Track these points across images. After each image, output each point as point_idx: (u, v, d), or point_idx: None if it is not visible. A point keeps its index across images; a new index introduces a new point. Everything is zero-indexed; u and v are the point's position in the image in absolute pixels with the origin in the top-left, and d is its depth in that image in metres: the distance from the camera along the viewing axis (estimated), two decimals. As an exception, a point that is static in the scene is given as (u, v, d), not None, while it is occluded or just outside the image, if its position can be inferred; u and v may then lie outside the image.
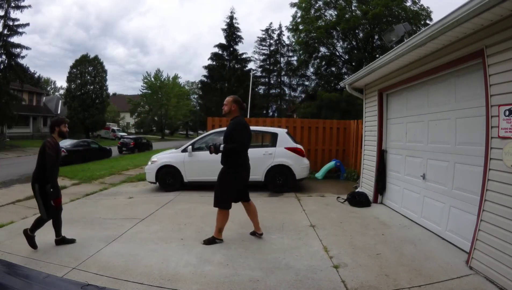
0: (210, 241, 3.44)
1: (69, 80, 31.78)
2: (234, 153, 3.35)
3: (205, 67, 27.45)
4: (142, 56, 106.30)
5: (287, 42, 30.64)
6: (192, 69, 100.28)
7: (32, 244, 3.26)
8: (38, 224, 3.31)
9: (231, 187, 3.41)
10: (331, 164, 7.93)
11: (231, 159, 3.38)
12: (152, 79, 40.29)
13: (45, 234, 3.74)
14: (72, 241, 3.50)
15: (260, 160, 6.35)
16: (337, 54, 24.21)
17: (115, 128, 38.75)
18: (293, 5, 23.68)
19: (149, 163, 6.73)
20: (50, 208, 3.30)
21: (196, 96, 45.69)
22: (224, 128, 7.36)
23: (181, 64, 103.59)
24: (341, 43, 23.87)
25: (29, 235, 3.25)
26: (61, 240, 3.45)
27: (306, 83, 29.36)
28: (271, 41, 32.08)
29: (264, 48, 32.05)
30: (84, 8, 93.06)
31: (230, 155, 3.38)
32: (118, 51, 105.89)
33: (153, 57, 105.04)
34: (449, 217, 3.48)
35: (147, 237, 3.65)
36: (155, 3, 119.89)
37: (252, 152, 6.49)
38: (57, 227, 3.46)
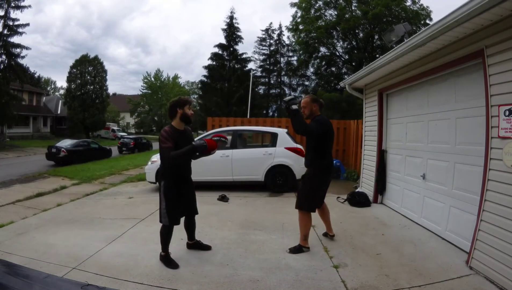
0: (296, 250, 3.18)
1: (69, 80, 31.75)
2: (317, 154, 3.14)
3: (205, 67, 27.43)
4: (144, 56, 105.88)
5: (287, 42, 30.66)
6: (194, 69, 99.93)
7: (170, 263, 2.85)
8: (163, 236, 2.86)
9: (317, 190, 3.23)
10: (331, 164, 7.92)
11: (317, 161, 3.18)
12: (152, 79, 40.37)
13: (45, 235, 3.75)
14: (207, 247, 3.25)
15: (260, 160, 6.36)
16: (337, 54, 24.23)
17: (115, 128, 38.73)
18: (293, 5, 23.74)
19: (149, 163, 6.73)
20: (171, 212, 2.81)
21: (196, 96, 45.69)
22: (224, 128, 7.44)
23: (183, 64, 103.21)
24: (341, 43, 23.93)
25: (163, 255, 2.90)
26: (194, 244, 3.22)
27: (306, 83, 29.40)
28: (271, 41, 32.07)
29: (264, 48, 32.05)
30: (87, 8, 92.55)
31: (315, 157, 3.17)
32: (120, 51, 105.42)
33: (155, 57, 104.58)
34: (449, 217, 3.48)
35: (147, 237, 3.64)
36: (158, 2, 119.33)
37: (252, 152, 6.60)
38: (190, 229, 3.17)
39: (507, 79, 2.51)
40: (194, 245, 3.27)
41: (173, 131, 2.75)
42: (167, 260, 2.89)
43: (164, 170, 2.86)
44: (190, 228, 3.20)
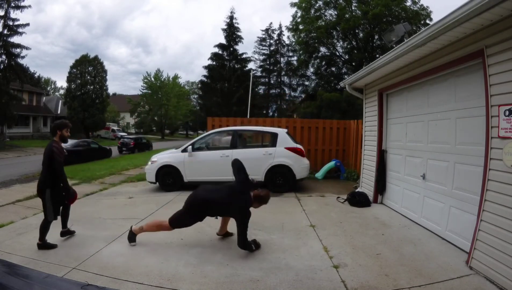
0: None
1: (69, 80, 31.76)
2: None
3: (205, 67, 27.48)
4: (144, 56, 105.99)
5: (287, 42, 30.74)
6: (194, 69, 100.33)
7: (49, 246, 3.29)
8: (45, 229, 3.31)
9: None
10: (331, 164, 7.92)
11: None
12: (152, 79, 40.27)
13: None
14: (72, 232, 3.72)
15: (260, 160, 6.35)
16: (337, 54, 24.22)
17: (115, 128, 38.73)
18: (293, 5, 23.68)
19: (149, 163, 6.73)
20: (58, 210, 3.41)
21: (196, 96, 45.74)
22: (225, 128, 7.42)
23: (183, 64, 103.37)
24: (341, 43, 23.90)
25: (41, 244, 3.27)
26: (66, 232, 3.65)
27: (306, 83, 29.42)
28: (271, 41, 32.16)
29: (264, 48, 32.13)
30: (87, 7, 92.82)
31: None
32: (121, 51, 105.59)
33: (155, 57, 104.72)
34: (449, 217, 3.48)
35: (147, 237, 3.64)
36: (159, 2, 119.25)
37: (252, 152, 6.59)
38: (65, 220, 3.65)
39: (507, 79, 2.51)
40: (66, 232, 3.65)
41: (61, 148, 3.46)
42: (46, 245, 3.27)
43: (51, 180, 3.32)
44: (66, 216, 3.66)
